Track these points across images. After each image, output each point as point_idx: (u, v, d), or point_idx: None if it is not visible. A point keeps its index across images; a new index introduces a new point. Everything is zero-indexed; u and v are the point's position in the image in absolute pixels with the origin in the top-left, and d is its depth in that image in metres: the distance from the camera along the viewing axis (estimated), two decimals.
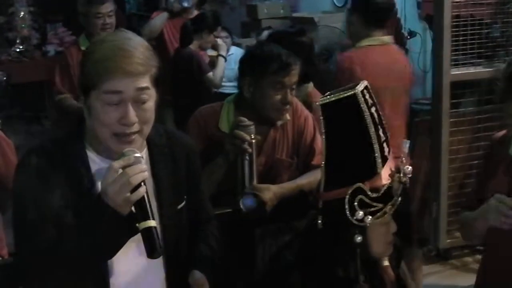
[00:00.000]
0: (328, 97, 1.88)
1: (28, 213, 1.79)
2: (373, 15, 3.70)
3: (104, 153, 1.85)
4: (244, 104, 2.81)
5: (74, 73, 4.22)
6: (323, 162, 1.92)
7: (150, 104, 1.79)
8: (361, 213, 1.85)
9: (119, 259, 1.82)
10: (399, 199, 1.89)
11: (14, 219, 1.85)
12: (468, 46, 4.22)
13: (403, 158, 1.95)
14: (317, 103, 1.90)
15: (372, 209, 1.86)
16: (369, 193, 1.85)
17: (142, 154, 1.79)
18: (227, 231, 2.40)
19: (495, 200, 2.13)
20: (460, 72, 4.22)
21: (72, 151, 1.84)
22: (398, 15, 6.06)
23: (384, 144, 1.89)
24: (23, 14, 7.44)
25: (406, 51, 6.21)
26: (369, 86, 1.91)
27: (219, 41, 5.26)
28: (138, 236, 1.73)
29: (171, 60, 5.09)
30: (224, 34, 5.88)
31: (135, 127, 1.76)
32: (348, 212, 1.85)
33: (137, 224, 1.69)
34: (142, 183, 1.68)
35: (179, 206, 1.98)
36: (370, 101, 1.88)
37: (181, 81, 4.95)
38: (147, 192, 1.70)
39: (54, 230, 1.76)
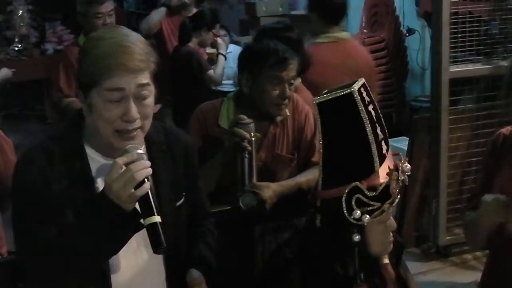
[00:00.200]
0: (325, 95, 1.88)
1: (28, 211, 1.79)
2: (329, 13, 3.88)
3: (103, 151, 1.85)
4: (244, 100, 2.82)
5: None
6: (320, 161, 1.92)
7: (151, 100, 1.80)
8: (358, 212, 1.84)
9: (120, 256, 1.83)
10: (398, 197, 1.88)
11: (13, 217, 1.85)
12: (467, 43, 4.21)
13: (402, 156, 1.94)
14: (314, 102, 1.89)
15: (370, 208, 1.85)
16: (367, 192, 1.84)
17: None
18: (227, 229, 2.40)
19: (491, 198, 2.14)
20: (459, 69, 4.21)
21: (71, 148, 1.84)
22: (397, 13, 6.07)
23: (382, 143, 1.88)
24: (22, 13, 7.43)
25: (405, 48, 6.23)
26: (366, 84, 1.91)
27: (219, 40, 5.27)
28: (138, 233, 1.73)
29: (170, 58, 5.08)
30: (222, 32, 5.89)
31: (137, 123, 1.77)
32: (345, 211, 1.85)
33: (141, 220, 1.69)
34: (146, 179, 1.68)
35: (178, 203, 1.99)
36: (367, 99, 1.87)
37: (180, 79, 4.95)
38: (151, 188, 1.70)
39: (54, 228, 1.76)
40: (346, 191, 1.84)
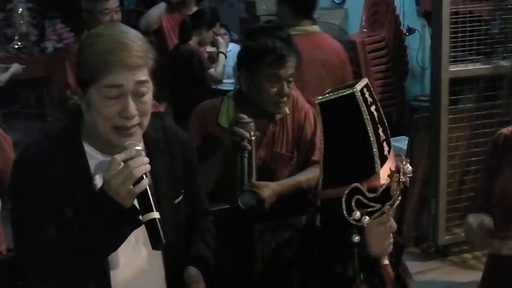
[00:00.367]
0: (327, 95, 1.87)
1: (26, 209, 1.79)
2: (299, 6, 3.99)
3: (102, 147, 1.85)
4: (244, 99, 2.81)
5: None
6: (321, 160, 1.91)
7: (149, 97, 1.80)
8: (358, 213, 1.83)
9: (119, 253, 1.82)
10: (399, 199, 1.87)
11: (12, 214, 1.85)
12: (467, 43, 4.21)
13: (404, 158, 1.93)
14: (316, 101, 1.88)
15: (370, 209, 1.84)
16: (367, 193, 1.83)
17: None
18: (226, 228, 2.40)
19: (475, 224, 2.15)
20: (459, 68, 4.21)
21: (69, 146, 1.84)
22: (397, 12, 6.07)
23: (384, 144, 1.87)
24: (21, 11, 7.43)
25: (405, 48, 6.23)
26: (369, 84, 1.90)
27: (220, 38, 5.27)
28: (137, 229, 1.74)
29: (169, 56, 5.08)
30: (222, 30, 5.89)
31: (135, 120, 1.77)
32: (345, 212, 1.84)
33: (140, 217, 1.69)
34: (145, 176, 1.69)
35: (177, 201, 1.99)
36: (370, 99, 1.86)
37: (181, 77, 4.94)
38: (149, 185, 1.70)
39: (52, 225, 1.76)
40: (346, 192, 1.84)
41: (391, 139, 1.94)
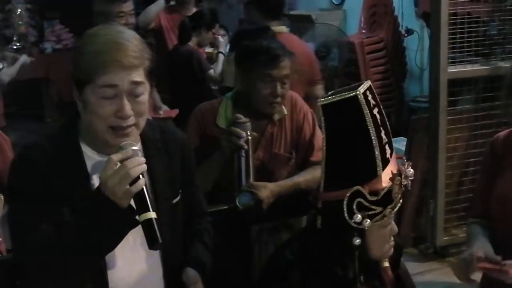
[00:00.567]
0: (330, 97, 1.86)
1: (24, 209, 1.79)
2: (267, 7, 4.13)
3: (98, 148, 1.85)
4: (242, 100, 2.82)
5: None
6: (323, 162, 1.90)
7: (145, 97, 1.80)
8: (359, 216, 1.82)
9: (116, 253, 1.82)
10: (400, 202, 1.87)
11: (10, 215, 1.85)
12: (465, 44, 4.22)
13: (405, 161, 1.93)
14: (319, 104, 1.88)
15: (371, 212, 1.83)
16: (368, 196, 1.82)
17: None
18: (224, 229, 2.40)
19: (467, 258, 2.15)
20: (457, 69, 4.22)
21: (66, 146, 1.84)
22: (396, 13, 6.08)
23: (386, 146, 1.87)
24: (20, 12, 7.43)
25: (404, 49, 6.24)
26: (372, 87, 1.90)
27: (220, 38, 5.28)
28: (135, 229, 1.73)
29: (169, 57, 5.08)
30: (222, 31, 5.88)
31: (131, 120, 1.77)
32: (346, 215, 1.83)
33: (137, 216, 1.69)
34: (141, 175, 1.68)
35: (174, 201, 1.99)
36: (373, 102, 1.85)
37: (180, 78, 4.94)
38: (146, 184, 1.70)
39: (50, 225, 1.76)
40: (348, 194, 1.83)
41: None
